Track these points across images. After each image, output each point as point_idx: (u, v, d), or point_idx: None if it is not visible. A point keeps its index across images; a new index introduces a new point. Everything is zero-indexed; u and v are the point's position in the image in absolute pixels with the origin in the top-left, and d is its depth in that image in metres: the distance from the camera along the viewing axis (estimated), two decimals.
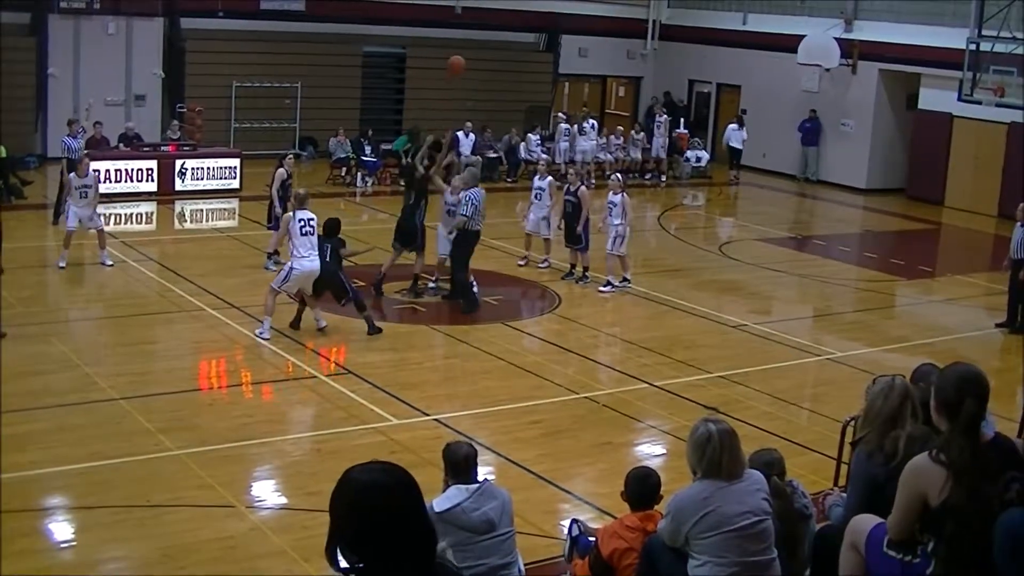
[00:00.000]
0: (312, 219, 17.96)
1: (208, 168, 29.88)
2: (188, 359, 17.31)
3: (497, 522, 8.54)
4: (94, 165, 27.39)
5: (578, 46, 41.22)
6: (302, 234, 17.78)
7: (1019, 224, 20.77)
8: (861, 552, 6.74)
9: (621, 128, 37.68)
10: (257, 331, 17.85)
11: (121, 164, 28.55)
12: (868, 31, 36.28)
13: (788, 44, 36.72)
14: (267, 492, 13.00)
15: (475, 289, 20.43)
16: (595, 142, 36.21)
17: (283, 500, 12.67)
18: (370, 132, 33.95)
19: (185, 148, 30.10)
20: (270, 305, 17.93)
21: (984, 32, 30.75)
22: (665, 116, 38.02)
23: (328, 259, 18.04)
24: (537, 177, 24.18)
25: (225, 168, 30.11)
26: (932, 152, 35.35)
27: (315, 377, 16.45)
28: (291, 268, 17.77)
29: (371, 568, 4.03)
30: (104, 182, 27.91)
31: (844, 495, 7.93)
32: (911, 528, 6.36)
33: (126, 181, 28.51)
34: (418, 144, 23.26)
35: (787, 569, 7.67)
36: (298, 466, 13.44)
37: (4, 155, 27.65)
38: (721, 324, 20.52)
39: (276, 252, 21.41)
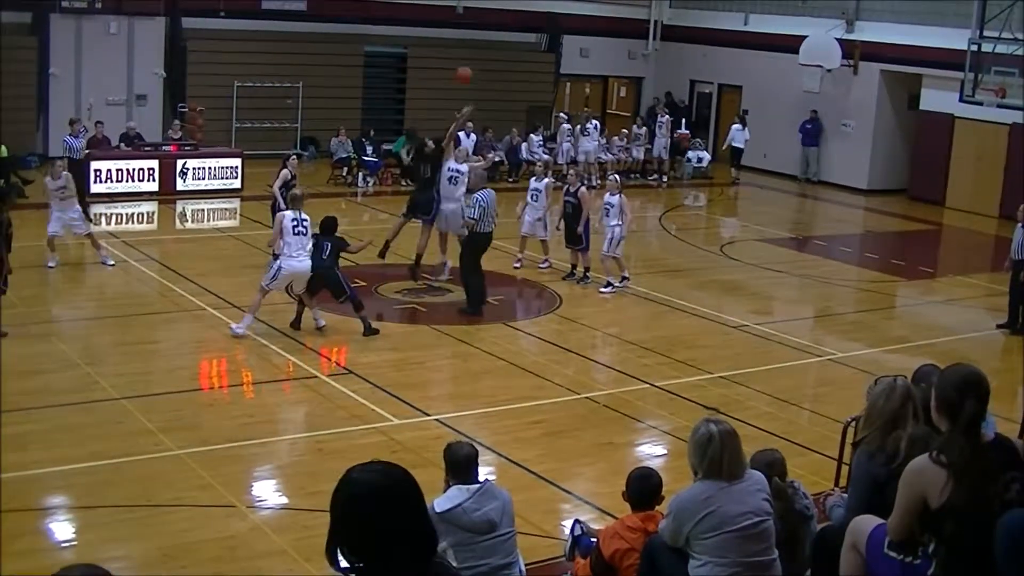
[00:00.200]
0: (305, 220, 17.97)
1: (209, 168, 29.87)
2: (189, 359, 17.30)
3: (498, 522, 8.54)
4: (95, 165, 27.54)
5: (579, 46, 41.23)
6: (294, 233, 17.82)
7: (1020, 225, 20.76)
8: (862, 553, 6.74)
9: (625, 131, 37.62)
10: (234, 326, 17.83)
11: (122, 164, 28.55)
12: (869, 32, 36.27)
13: (789, 44, 36.72)
14: (268, 492, 13.00)
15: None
16: (598, 142, 36.19)
17: (284, 500, 12.67)
18: (371, 132, 33.96)
19: (186, 148, 30.10)
20: (255, 303, 17.93)
21: (986, 33, 30.72)
22: (667, 116, 38.03)
23: (326, 256, 18.07)
24: (534, 179, 24.17)
25: (226, 168, 30.10)
26: (933, 153, 35.35)
27: (316, 377, 16.45)
28: (279, 267, 17.82)
29: (371, 568, 4.04)
30: (105, 182, 28.03)
31: (845, 496, 7.93)
32: (911, 529, 6.36)
33: (127, 181, 28.51)
34: (418, 143, 23.31)
35: (788, 570, 7.67)
36: (299, 466, 13.45)
37: (5, 154, 27.67)
38: (722, 324, 20.52)
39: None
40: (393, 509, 4.04)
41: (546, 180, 23.94)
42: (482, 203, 19.93)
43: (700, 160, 38.18)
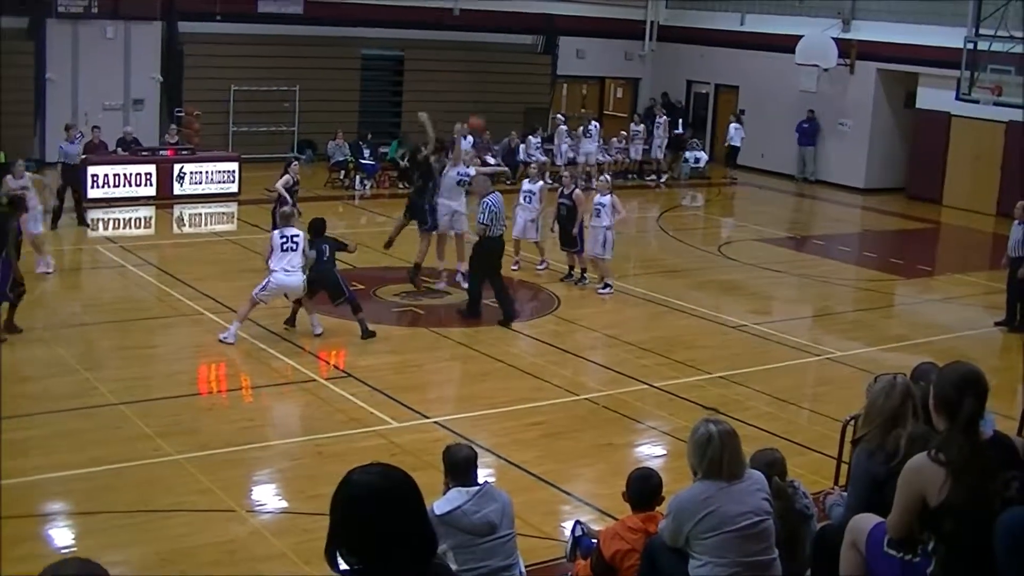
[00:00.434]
0: (296, 235, 17.90)
1: (207, 172, 29.84)
2: (187, 363, 17.30)
3: (498, 524, 8.54)
4: (92, 170, 27.53)
5: (576, 47, 41.25)
6: (283, 249, 17.82)
7: (1017, 222, 20.79)
8: (861, 551, 6.75)
9: (624, 132, 37.63)
10: (221, 335, 17.81)
11: (119, 168, 28.52)
12: (865, 31, 36.29)
13: (786, 44, 36.73)
14: (267, 496, 12.99)
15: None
16: (598, 144, 36.21)
17: (283, 504, 12.67)
18: (369, 135, 33.95)
19: (183, 152, 30.09)
20: (243, 312, 17.94)
21: (981, 31, 30.75)
22: (665, 117, 38.06)
23: (326, 259, 18.10)
24: (527, 180, 24.06)
25: (224, 172, 30.07)
26: (930, 151, 35.37)
27: (314, 380, 16.45)
28: (268, 280, 17.87)
29: (370, 570, 4.04)
30: (103, 187, 27.99)
31: (844, 494, 7.93)
32: (911, 527, 6.37)
33: (125, 186, 28.47)
34: (412, 148, 23.25)
35: (788, 569, 7.67)
36: (298, 469, 13.44)
37: (3, 160, 27.64)
38: (721, 324, 20.52)
39: None
40: (393, 511, 4.04)
41: (540, 182, 23.96)
42: (493, 208, 19.74)
43: (697, 160, 38.22)
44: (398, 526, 4.03)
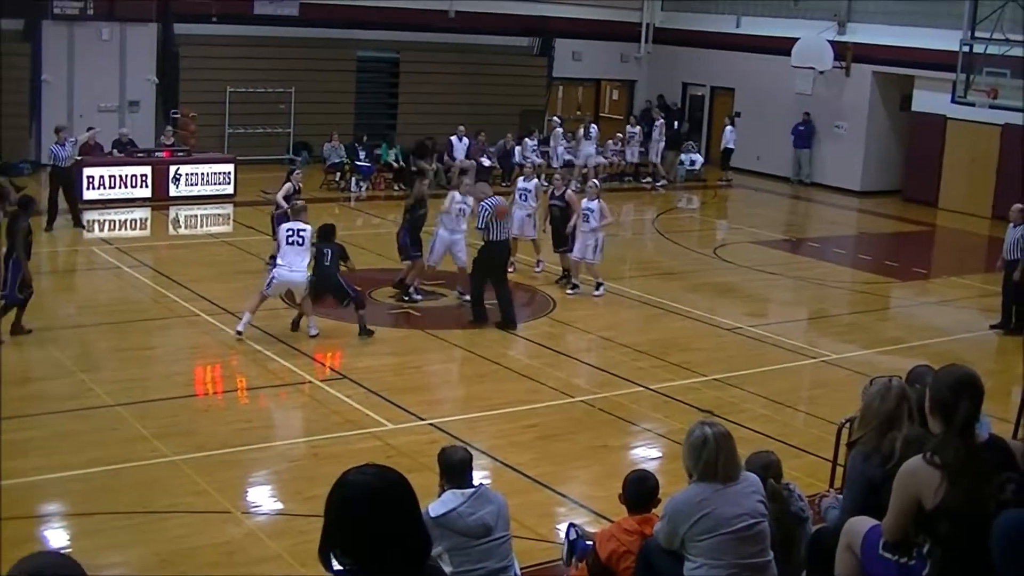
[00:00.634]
0: (303, 230, 17.97)
1: (202, 174, 29.81)
2: (184, 365, 17.30)
3: (493, 526, 8.55)
4: (88, 171, 27.52)
5: (572, 50, 41.25)
6: (287, 243, 17.91)
7: (1012, 225, 20.83)
8: (857, 554, 6.76)
9: (620, 135, 37.64)
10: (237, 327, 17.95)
11: (115, 170, 28.50)
12: (861, 33, 36.32)
13: (781, 47, 36.76)
14: (263, 497, 12.99)
15: (466, 297, 20.49)
16: (596, 146, 36.24)
17: (279, 505, 12.67)
18: (364, 137, 33.94)
19: (179, 154, 30.06)
20: (253, 303, 18.01)
21: (977, 34, 30.79)
22: (662, 120, 38.07)
23: (327, 263, 18.12)
24: (522, 179, 24.18)
25: (219, 174, 30.04)
26: (926, 154, 35.41)
27: (310, 382, 16.46)
28: (272, 276, 17.94)
29: (364, 571, 4.05)
30: (98, 188, 27.97)
31: (840, 497, 7.94)
32: (906, 530, 6.38)
33: (120, 187, 28.45)
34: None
35: (784, 571, 7.68)
36: (294, 471, 13.44)
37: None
38: (716, 327, 20.53)
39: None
40: (387, 512, 4.05)
41: (535, 180, 23.99)
42: (489, 210, 19.66)
43: (693, 163, 38.23)
44: (392, 527, 4.04)
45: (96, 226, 26.20)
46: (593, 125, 37.28)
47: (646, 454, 14.65)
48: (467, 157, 34.39)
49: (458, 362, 18.11)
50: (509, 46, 40.09)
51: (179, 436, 14.00)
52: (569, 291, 21.93)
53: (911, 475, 6.28)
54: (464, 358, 18.13)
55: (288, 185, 22.13)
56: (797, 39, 36.62)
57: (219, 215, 29.03)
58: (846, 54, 36.44)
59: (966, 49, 31.00)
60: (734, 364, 18.20)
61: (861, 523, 6.83)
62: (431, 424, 14.78)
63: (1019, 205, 21.09)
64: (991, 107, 30.94)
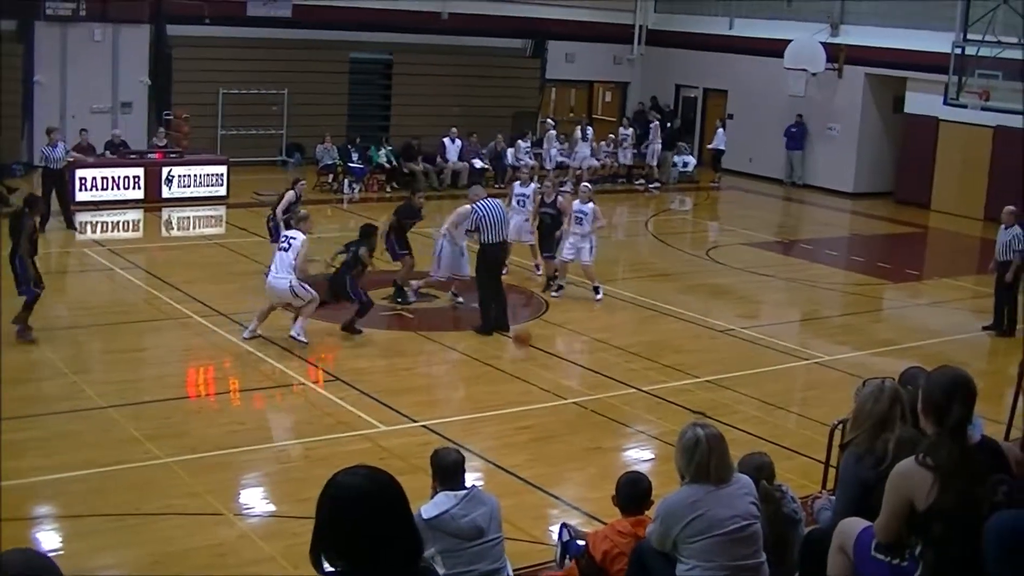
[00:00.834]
0: (293, 237, 17.75)
1: (195, 175, 29.78)
2: (176, 366, 17.30)
3: (486, 528, 8.55)
4: (80, 173, 27.50)
5: (565, 51, 41.29)
6: (277, 249, 17.91)
7: (1003, 227, 20.87)
8: (849, 555, 6.76)
9: (612, 136, 37.68)
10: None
11: (108, 172, 28.49)
12: (854, 35, 36.35)
13: (774, 48, 36.79)
14: (256, 499, 12.98)
15: (460, 300, 20.50)
16: (591, 148, 36.25)
17: (272, 507, 12.65)
18: (357, 139, 33.94)
19: (172, 155, 30.03)
20: (262, 311, 17.98)
21: (969, 36, 30.81)
22: (657, 121, 38.08)
23: (343, 265, 18.31)
24: (519, 184, 24.03)
25: (212, 175, 30.02)
26: (919, 156, 35.45)
27: (303, 384, 16.45)
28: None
29: (355, 573, 4.04)
30: (91, 190, 27.96)
31: (833, 498, 7.94)
32: (898, 531, 6.38)
33: (113, 189, 28.43)
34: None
35: (776, 573, 7.69)
36: (287, 473, 13.44)
37: None
38: (709, 328, 20.54)
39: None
40: (378, 514, 4.04)
41: (533, 185, 23.91)
42: (479, 212, 19.53)
43: (686, 164, 38.26)
44: (384, 529, 4.03)
45: (88, 228, 26.17)
46: (588, 127, 37.29)
47: (639, 456, 14.65)
48: (460, 159, 34.41)
49: (451, 364, 18.11)
50: (502, 48, 40.10)
51: (172, 438, 13.99)
52: (554, 293, 21.86)
53: (903, 477, 6.28)
54: (457, 360, 18.13)
55: (290, 194, 21.86)
56: (790, 41, 36.64)
57: (212, 217, 29.00)
58: (839, 56, 36.47)
59: (958, 51, 31.02)
60: (727, 366, 18.20)
61: (853, 524, 6.84)
62: (424, 426, 14.77)
63: (1011, 207, 21.17)
64: (983, 109, 30.96)
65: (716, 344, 19.73)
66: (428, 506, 8.46)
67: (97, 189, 28.14)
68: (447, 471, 8.71)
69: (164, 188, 29.17)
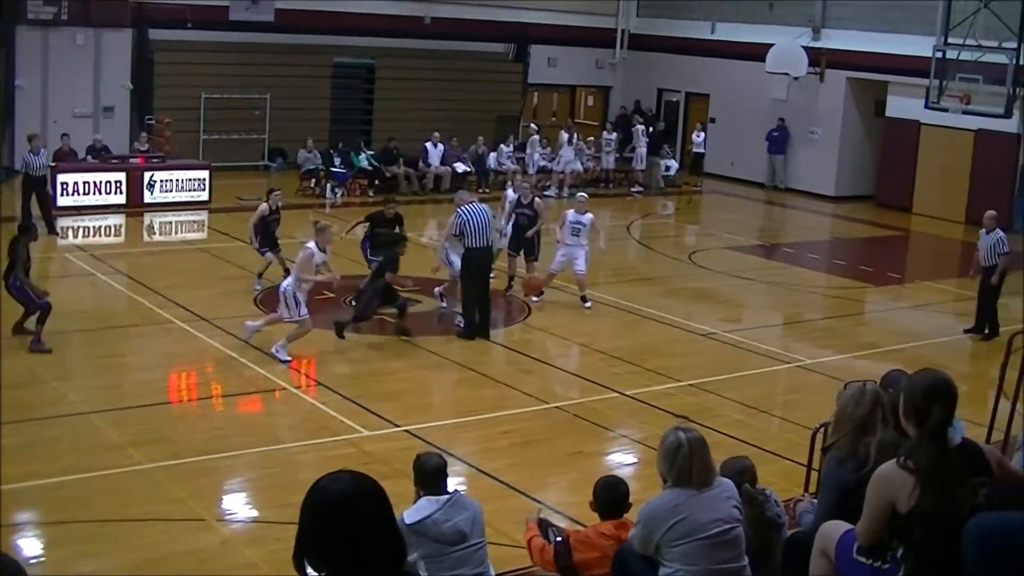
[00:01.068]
0: (306, 247, 17.72)
1: (177, 180, 29.75)
2: (158, 372, 17.24)
3: (468, 533, 8.54)
4: (62, 178, 27.44)
5: (547, 56, 41.31)
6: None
7: (985, 231, 20.93)
8: (831, 558, 6.77)
9: (592, 138, 37.73)
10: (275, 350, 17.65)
11: (89, 176, 28.45)
12: (836, 39, 36.45)
13: (756, 53, 36.86)
14: (238, 505, 12.97)
15: (444, 305, 20.48)
16: (575, 152, 36.25)
17: (255, 513, 12.65)
18: (340, 143, 33.92)
19: (154, 160, 29.99)
20: (272, 317, 18.03)
21: (950, 40, 30.92)
22: (641, 125, 38.12)
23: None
24: (511, 189, 23.90)
25: (194, 180, 30.00)
26: (900, 159, 35.58)
27: (285, 389, 16.43)
28: None
29: None
30: (72, 194, 27.89)
31: (815, 501, 7.95)
32: (880, 534, 6.39)
33: (94, 193, 28.38)
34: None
35: None
36: (269, 478, 13.41)
37: None
38: (691, 333, 20.57)
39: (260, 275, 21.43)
40: (361, 519, 4.03)
41: (530, 195, 23.91)
42: (461, 217, 19.42)
43: (668, 168, 38.29)
44: (367, 534, 4.03)
45: (70, 233, 26.12)
46: (574, 132, 37.30)
47: (622, 460, 14.67)
48: (442, 163, 34.42)
49: (434, 369, 18.08)
50: (484, 52, 40.13)
51: (154, 444, 13.97)
52: (535, 298, 21.79)
53: (885, 480, 6.29)
54: (440, 365, 18.11)
55: (263, 206, 21.48)
56: (772, 45, 36.72)
57: (194, 222, 28.95)
58: (820, 60, 36.57)
59: (939, 55, 31.11)
60: (709, 370, 18.22)
61: (835, 527, 6.85)
62: (407, 431, 14.76)
63: (992, 212, 21.25)
64: (964, 113, 31.08)
65: (699, 348, 19.76)
66: (410, 511, 8.45)
67: (79, 194, 28.09)
68: (429, 476, 8.71)
69: (146, 193, 29.13)
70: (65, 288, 21.46)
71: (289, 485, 12.59)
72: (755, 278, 25.57)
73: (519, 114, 40.49)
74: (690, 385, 17.36)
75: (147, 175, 29.25)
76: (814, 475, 10.58)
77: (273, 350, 17.51)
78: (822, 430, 10.13)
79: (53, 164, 27.05)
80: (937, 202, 34.53)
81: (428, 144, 34.35)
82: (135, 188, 28.95)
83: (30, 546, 11.42)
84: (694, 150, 39.08)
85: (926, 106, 32.02)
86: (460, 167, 34.66)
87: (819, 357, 19.38)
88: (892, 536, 6.35)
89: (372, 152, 33.92)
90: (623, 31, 42.90)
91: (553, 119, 42.21)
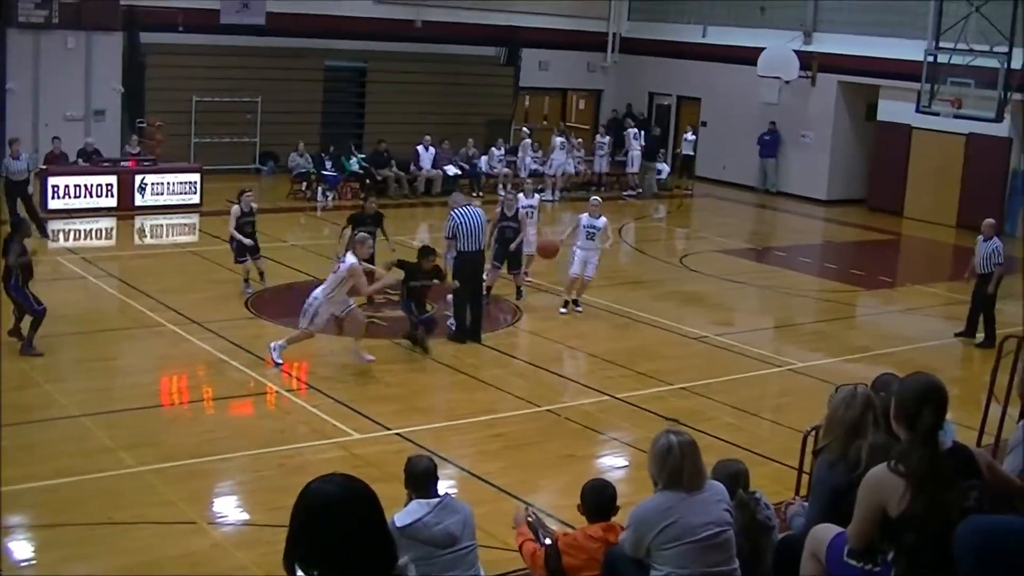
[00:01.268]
0: (342, 262, 17.44)
1: (168, 183, 29.72)
2: (149, 375, 17.22)
3: (459, 536, 8.54)
4: (53, 181, 27.40)
5: (538, 59, 41.33)
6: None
7: (982, 239, 20.93)
8: (822, 561, 6.78)
9: (580, 140, 37.75)
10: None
11: (81, 180, 28.42)
12: (827, 43, 36.50)
13: (748, 56, 36.92)
14: (229, 508, 12.96)
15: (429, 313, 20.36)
16: (567, 155, 36.23)
17: (245, 516, 12.64)
18: (331, 147, 33.89)
19: (145, 163, 29.95)
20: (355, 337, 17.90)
21: (941, 44, 30.97)
22: (635, 129, 38.13)
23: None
24: (523, 195, 23.74)
25: (185, 183, 29.97)
26: (891, 163, 35.62)
27: (277, 392, 16.41)
28: None
29: None
30: (63, 197, 27.89)
31: (806, 504, 7.96)
32: (871, 537, 6.40)
33: (86, 197, 28.35)
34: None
35: None
36: (260, 482, 13.40)
37: None
38: (683, 336, 20.57)
39: (246, 280, 21.31)
40: (352, 522, 4.03)
41: (537, 196, 23.91)
42: (454, 220, 19.39)
43: (659, 172, 38.30)
44: (358, 537, 4.02)
45: (61, 236, 26.09)
46: (568, 135, 37.29)
47: (613, 463, 14.67)
48: (433, 166, 34.43)
49: (425, 372, 18.08)
50: (476, 56, 40.14)
51: (145, 447, 13.96)
52: (562, 310, 21.54)
53: (876, 484, 6.30)
54: (431, 368, 18.10)
55: (235, 208, 21.39)
56: (763, 49, 36.78)
57: (185, 225, 28.93)
58: (812, 64, 36.62)
59: (931, 59, 31.17)
60: (701, 373, 18.24)
61: (826, 530, 6.85)
62: (398, 434, 14.76)
63: (990, 220, 21.31)
64: (955, 117, 31.16)
65: (690, 351, 19.77)
66: (401, 514, 8.44)
67: (70, 197, 28.06)
68: (419, 479, 8.70)
69: (137, 196, 29.10)
70: (56, 291, 21.40)
71: (280, 488, 12.58)
72: (747, 281, 25.60)
73: (510, 118, 40.51)
74: (681, 388, 17.39)
75: (138, 178, 29.21)
76: (805, 478, 10.58)
77: (270, 347, 17.49)
78: (813, 433, 10.14)
79: (44, 167, 26.98)
80: (928, 206, 34.56)
81: (419, 147, 34.35)
82: (126, 191, 28.92)
83: (21, 549, 11.42)
84: (683, 152, 39.12)
85: (917, 110, 32.07)
86: (451, 170, 34.66)
87: (810, 360, 19.40)
88: (883, 539, 6.36)
89: (363, 155, 33.91)
90: (614, 35, 42.96)
91: (544, 123, 42.23)
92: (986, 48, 29.69)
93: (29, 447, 13.74)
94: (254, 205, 21.72)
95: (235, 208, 21.38)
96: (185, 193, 29.89)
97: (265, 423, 15.61)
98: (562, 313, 21.48)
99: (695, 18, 40.29)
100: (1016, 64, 29.35)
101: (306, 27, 35.61)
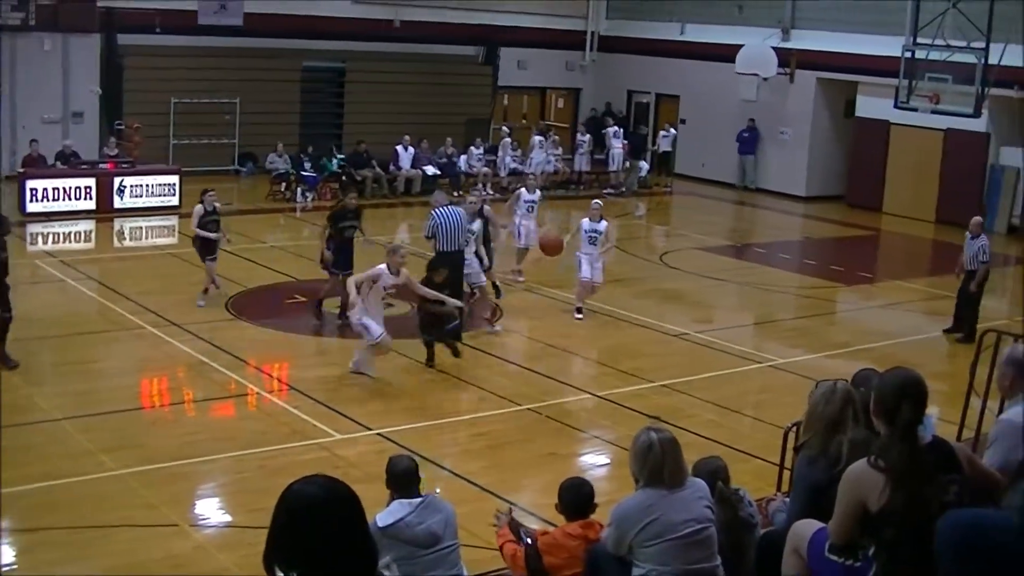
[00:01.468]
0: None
1: (147, 185, 29.64)
2: (130, 378, 17.18)
3: (441, 535, 8.54)
4: (31, 184, 27.31)
5: (517, 58, 41.32)
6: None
7: (970, 237, 20.99)
8: (803, 556, 6.79)
9: (557, 138, 37.74)
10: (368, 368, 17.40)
11: (59, 182, 28.32)
12: (805, 40, 36.57)
13: (726, 54, 36.96)
14: (211, 510, 12.93)
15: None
16: (547, 154, 36.23)
17: (227, 518, 12.62)
18: (310, 147, 33.84)
19: (123, 165, 29.87)
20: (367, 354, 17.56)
21: (919, 40, 31.04)
22: (613, 127, 38.12)
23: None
24: (526, 190, 24.11)
25: (164, 185, 29.88)
26: (870, 159, 35.71)
27: (258, 394, 16.39)
28: None
29: None
30: (42, 200, 27.79)
31: (787, 500, 7.97)
32: (851, 533, 6.42)
33: (64, 199, 28.25)
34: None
35: None
36: (242, 483, 13.38)
37: None
38: (663, 333, 20.59)
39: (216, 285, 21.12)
40: (334, 523, 4.02)
41: (539, 192, 23.98)
42: (435, 220, 19.22)
43: (640, 170, 38.33)
44: (339, 538, 4.02)
45: (40, 239, 26.01)
46: (548, 133, 37.30)
47: (595, 461, 14.69)
48: (412, 166, 34.41)
49: (405, 371, 18.03)
50: (454, 55, 40.11)
51: (126, 449, 13.91)
52: (579, 316, 21.48)
53: (856, 479, 6.32)
54: (411, 367, 18.06)
55: (198, 207, 21.02)
56: (741, 46, 36.82)
57: (164, 227, 28.85)
58: (790, 61, 36.68)
59: (908, 55, 31.24)
60: (682, 370, 18.25)
61: (807, 526, 6.87)
62: (379, 434, 14.75)
63: (978, 218, 21.46)
64: (933, 112, 31.21)
65: (671, 349, 19.80)
66: (383, 514, 8.43)
67: (48, 200, 27.97)
68: (399, 478, 8.70)
69: (116, 198, 29.01)
70: (35, 294, 21.36)
71: (262, 490, 12.54)
72: (727, 278, 25.64)
73: (489, 117, 40.48)
74: (662, 386, 17.40)
75: (117, 180, 29.13)
76: (786, 474, 10.62)
77: (358, 368, 17.22)
78: (794, 429, 10.16)
79: (22, 170, 26.85)
80: (907, 201, 34.67)
81: (399, 147, 34.35)
82: (105, 193, 28.83)
83: (3, 553, 11.36)
84: (660, 149, 39.15)
85: (896, 106, 32.13)
86: (430, 170, 34.63)
87: (791, 357, 19.44)
88: (864, 534, 6.38)
89: (342, 156, 33.87)
90: (592, 33, 42.99)
91: (523, 121, 42.20)
92: (963, 44, 29.76)
93: (9, 451, 13.62)
94: (217, 204, 21.48)
95: (198, 207, 20.98)
96: (164, 195, 29.79)
97: (246, 424, 15.57)
98: (578, 319, 21.16)
99: (673, 16, 40.30)
100: (993, 59, 29.46)
101: (284, 28, 35.54)
